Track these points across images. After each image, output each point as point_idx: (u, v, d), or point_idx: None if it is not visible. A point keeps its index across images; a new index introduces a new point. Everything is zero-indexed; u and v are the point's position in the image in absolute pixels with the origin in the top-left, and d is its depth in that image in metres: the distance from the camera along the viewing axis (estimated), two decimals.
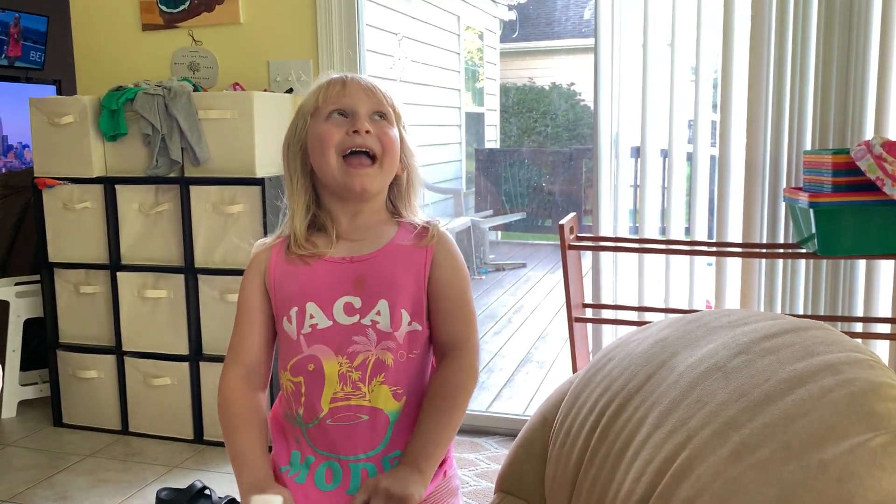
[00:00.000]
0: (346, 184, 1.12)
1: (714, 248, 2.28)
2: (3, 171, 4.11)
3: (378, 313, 1.12)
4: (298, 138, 1.17)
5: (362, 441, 1.13)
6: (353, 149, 1.12)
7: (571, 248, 2.20)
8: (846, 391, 0.58)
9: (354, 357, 1.12)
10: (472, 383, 1.13)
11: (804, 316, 2.23)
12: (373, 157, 1.13)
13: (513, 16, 9.61)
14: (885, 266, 2.17)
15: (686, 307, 2.40)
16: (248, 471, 1.10)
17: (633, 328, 0.94)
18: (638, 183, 2.52)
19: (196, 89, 2.62)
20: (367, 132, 1.12)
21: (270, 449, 1.17)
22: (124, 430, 2.73)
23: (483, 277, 6.10)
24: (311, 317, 1.13)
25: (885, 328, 2.17)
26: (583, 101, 9.12)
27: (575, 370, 2.27)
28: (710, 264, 2.45)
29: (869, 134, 2.12)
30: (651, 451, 0.66)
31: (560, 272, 2.28)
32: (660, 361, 0.76)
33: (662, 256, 2.41)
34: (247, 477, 1.09)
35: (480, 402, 3.23)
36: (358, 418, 1.12)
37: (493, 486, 1.07)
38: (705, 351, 0.73)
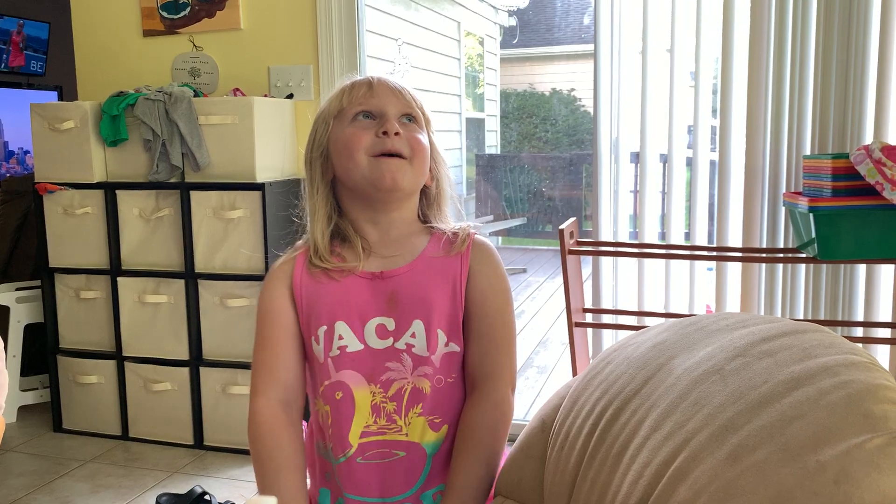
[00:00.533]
0: (375, 179, 1.02)
1: (714, 253, 2.28)
2: (7, 176, 4.12)
3: (413, 335, 1.02)
4: (319, 144, 1.08)
5: (399, 481, 1.02)
6: (384, 152, 1.02)
7: (571, 253, 2.20)
8: (843, 393, 0.58)
9: (389, 385, 1.02)
10: (507, 421, 1.02)
11: (804, 320, 2.23)
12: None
13: (513, 22, 9.63)
14: (885, 271, 2.17)
15: (686, 312, 2.40)
16: None
17: (633, 332, 0.94)
18: (638, 188, 2.52)
19: (196, 95, 2.62)
20: (397, 134, 1.03)
21: None
22: (124, 436, 2.72)
23: None
24: (341, 338, 1.03)
25: (885, 333, 2.17)
26: (583, 106, 9.13)
27: (575, 375, 2.27)
28: (710, 269, 2.45)
29: (868, 138, 2.12)
30: (649, 454, 0.66)
31: (560, 277, 2.28)
32: (657, 365, 0.76)
33: (662, 261, 2.41)
34: None
35: None
36: (393, 455, 1.02)
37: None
38: (703, 354, 0.73)
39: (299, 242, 1.12)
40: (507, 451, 1.04)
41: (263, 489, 1.00)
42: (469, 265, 1.04)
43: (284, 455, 1.01)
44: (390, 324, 1.02)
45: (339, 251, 1.07)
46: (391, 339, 1.02)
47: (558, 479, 0.79)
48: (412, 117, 1.07)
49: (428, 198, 1.11)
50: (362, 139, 1.03)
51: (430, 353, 1.02)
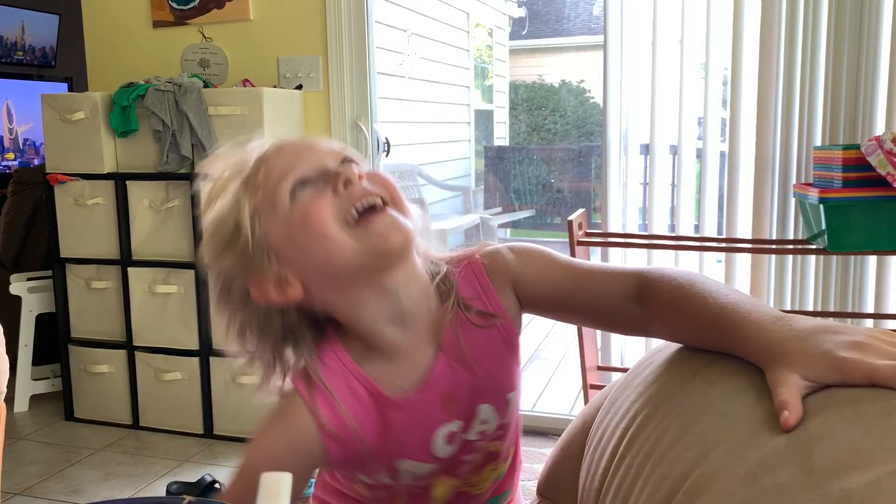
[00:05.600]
0: (378, 248, 0.75)
1: (724, 245, 2.28)
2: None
3: (484, 422, 0.85)
4: (244, 260, 0.78)
5: None
6: (358, 205, 0.75)
7: (580, 244, 2.20)
8: (881, 411, 0.53)
9: (463, 475, 0.89)
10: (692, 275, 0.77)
11: (814, 312, 2.22)
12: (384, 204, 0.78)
13: (522, 12, 9.59)
14: (895, 262, 2.16)
15: None
16: None
17: None
18: (647, 180, 2.52)
19: (206, 86, 2.63)
20: (361, 177, 0.77)
21: None
22: (135, 425, 2.75)
23: None
24: (408, 472, 0.85)
25: (895, 324, 2.16)
26: (592, 97, 9.10)
27: (584, 367, 2.27)
28: (719, 261, 2.44)
29: (879, 129, 2.11)
30: (668, 465, 0.62)
31: None
32: (694, 369, 0.71)
33: (672, 253, 2.40)
34: None
35: None
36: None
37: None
38: (741, 362, 0.67)
39: (284, 386, 0.85)
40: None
41: None
42: (495, 295, 0.84)
43: None
44: (456, 426, 0.84)
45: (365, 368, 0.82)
46: (462, 439, 0.85)
47: (589, 483, 0.76)
48: (352, 159, 0.80)
49: None
50: (322, 208, 0.75)
51: (502, 420, 0.87)
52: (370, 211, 0.76)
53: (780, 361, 0.58)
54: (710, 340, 0.69)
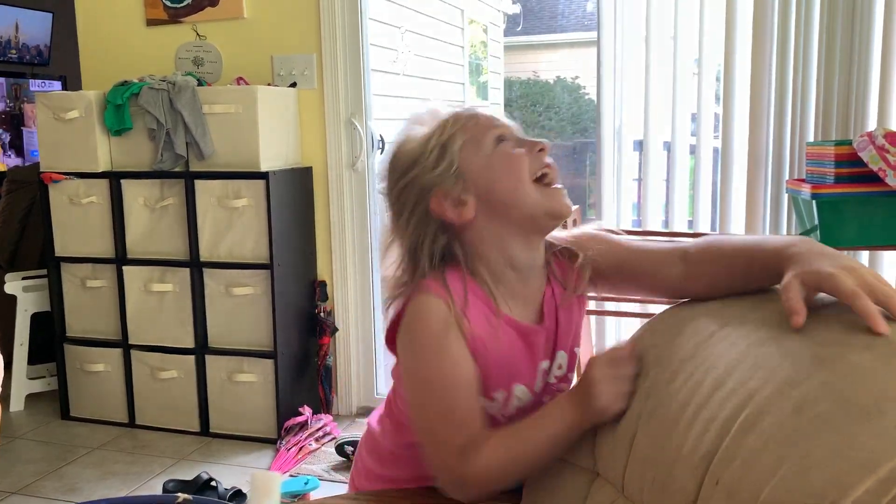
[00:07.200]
0: (551, 209, 0.95)
1: None
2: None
3: (559, 367, 1.02)
4: (435, 179, 0.95)
5: None
6: (544, 171, 0.96)
7: None
8: (877, 355, 0.64)
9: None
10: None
11: None
12: None
13: (517, 9, 9.58)
14: (887, 257, 2.17)
15: None
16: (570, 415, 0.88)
17: (670, 307, 0.98)
18: (641, 176, 2.52)
19: (200, 84, 2.63)
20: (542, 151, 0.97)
21: None
22: (131, 423, 2.75)
23: None
24: (519, 398, 0.99)
25: None
26: (587, 94, 9.10)
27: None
28: None
29: (872, 125, 2.12)
30: (713, 410, 0.71)
31: None
32: (709, 332, 0.81)
33: None
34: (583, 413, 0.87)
35: None
36: None
37: None
38: (756, 317, 0.79)
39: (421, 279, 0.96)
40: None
41: (538, 446, 0.89)
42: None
43: (507, 437, 0.91)
44: (545, 364, 1.01)
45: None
46: (544, 379, 1.01)
47: (615, 443, 0.84)
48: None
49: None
50: (524, 160, 0.95)
51: (570, 373, 1.03)
52: (545, 178, 0.95)
53: (787, 266, 0.75)
54: (741, 270, 0.86)
